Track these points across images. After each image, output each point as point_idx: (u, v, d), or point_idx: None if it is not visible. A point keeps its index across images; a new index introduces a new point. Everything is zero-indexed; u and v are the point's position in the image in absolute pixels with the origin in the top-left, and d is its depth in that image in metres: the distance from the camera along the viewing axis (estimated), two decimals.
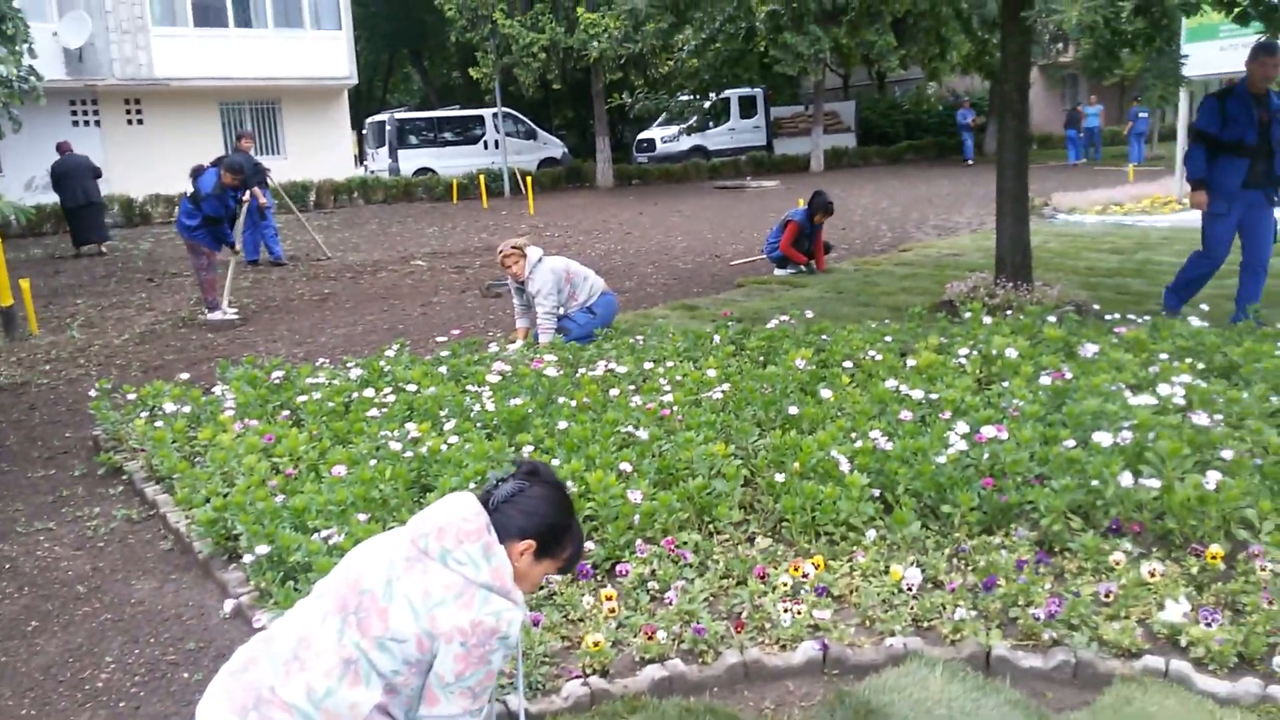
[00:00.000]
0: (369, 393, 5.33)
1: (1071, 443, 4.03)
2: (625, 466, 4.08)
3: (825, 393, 4.90)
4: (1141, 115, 24.88)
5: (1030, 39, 7.51)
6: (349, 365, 6.11)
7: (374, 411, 5.04)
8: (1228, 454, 3.88)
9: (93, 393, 6.10)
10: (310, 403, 5.19)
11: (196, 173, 9.51)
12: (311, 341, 8.27)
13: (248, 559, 3.57)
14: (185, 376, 6.30)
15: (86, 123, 21.49)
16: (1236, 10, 6.72)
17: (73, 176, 14.26)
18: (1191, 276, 6.94)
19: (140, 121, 22.18)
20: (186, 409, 5.46)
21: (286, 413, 5.26)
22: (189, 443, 5.09)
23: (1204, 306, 6.37)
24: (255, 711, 2.00)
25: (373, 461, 4.22)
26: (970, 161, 26.45)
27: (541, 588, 3.42)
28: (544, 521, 2.23)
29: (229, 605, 3.56)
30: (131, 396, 5.90)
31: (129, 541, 4.33)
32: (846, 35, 10.05)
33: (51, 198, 15.83)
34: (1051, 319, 6.26)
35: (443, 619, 2.01)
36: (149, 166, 20.95)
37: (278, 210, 14.39)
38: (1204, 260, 6.85)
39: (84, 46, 20.14)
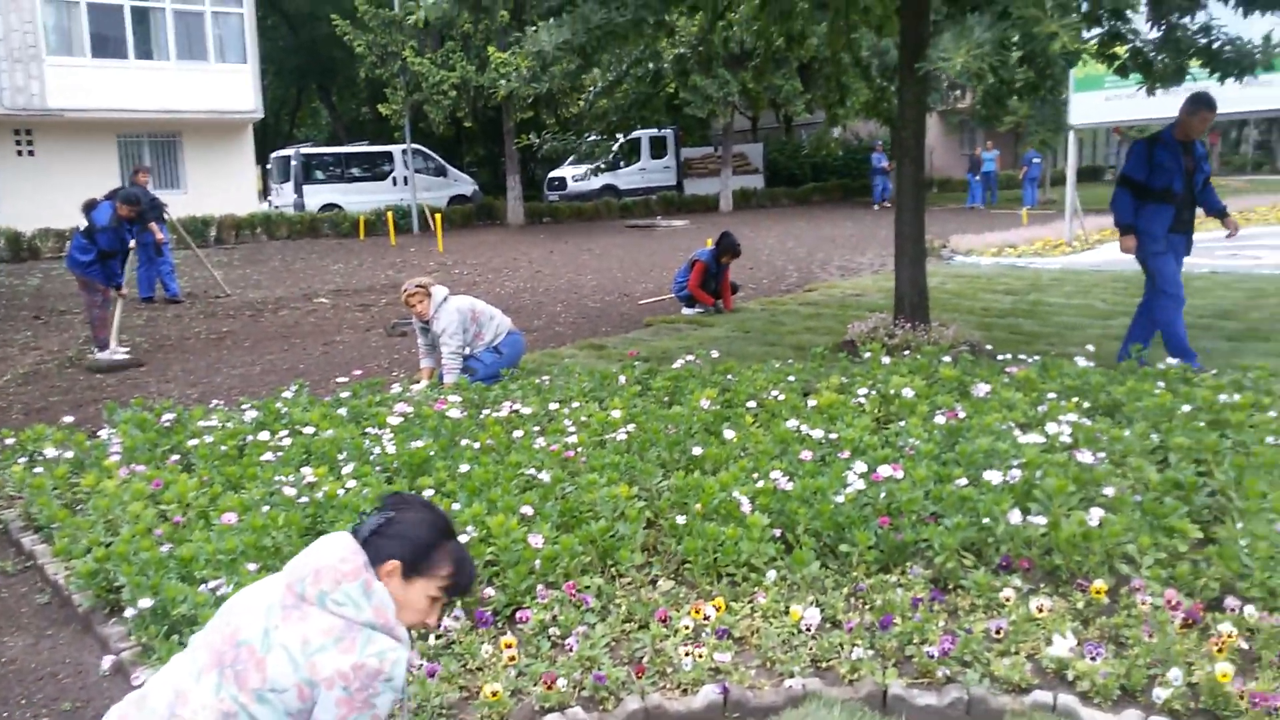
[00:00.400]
0: (264, 436, 5.19)
1: (964, 481, 4.14)
2: (527, 510, 4.04)
3: (729, 433, 4.95)
4: (1034, 161, 25.93)
5: (926, 87, 7.78)
6: (244, 407, 5.94)
7: (269, 455, 4.90)
8: (1110, 491, 4.03)
9: None
10: (202, 446, 5.03)
11: (90, 206, 9.19)
12: (207, 382, 8.03)
13: (130, 613, 3.41)
14: (70, 419, 6.04)
15: None
16: (1117, 63, 7.09)
17: None
18: (1172, 321, 6.62)
19: (31, 153, 21.40)
20: (69, 454, 5.23)
21: (176, 457, 5.09)
22: (71, 490, 4.88)
23: (1090, 347, 6.63)
24: None
25: (265, 508, 4.10)
26: (877, 206, 27.13)
27: (439, 636, 3.35)
28: (407, 541, 2.17)
29: (108, 662, 3.39)
30: (10, 441, 5.63)
31: (2, 595, 4.10)
32: (753, 80, 10.31)
33: None
34: (947, 359, 6.43)
35: (323, 665, 1.96)
36: (39, 199, 20.17)
37: (175, 246, 13.98)
38: (1167, 300, 6.63)
39: None
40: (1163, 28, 6.56)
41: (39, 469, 5.07)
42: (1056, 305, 9.91)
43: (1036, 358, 6.57)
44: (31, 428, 5.68)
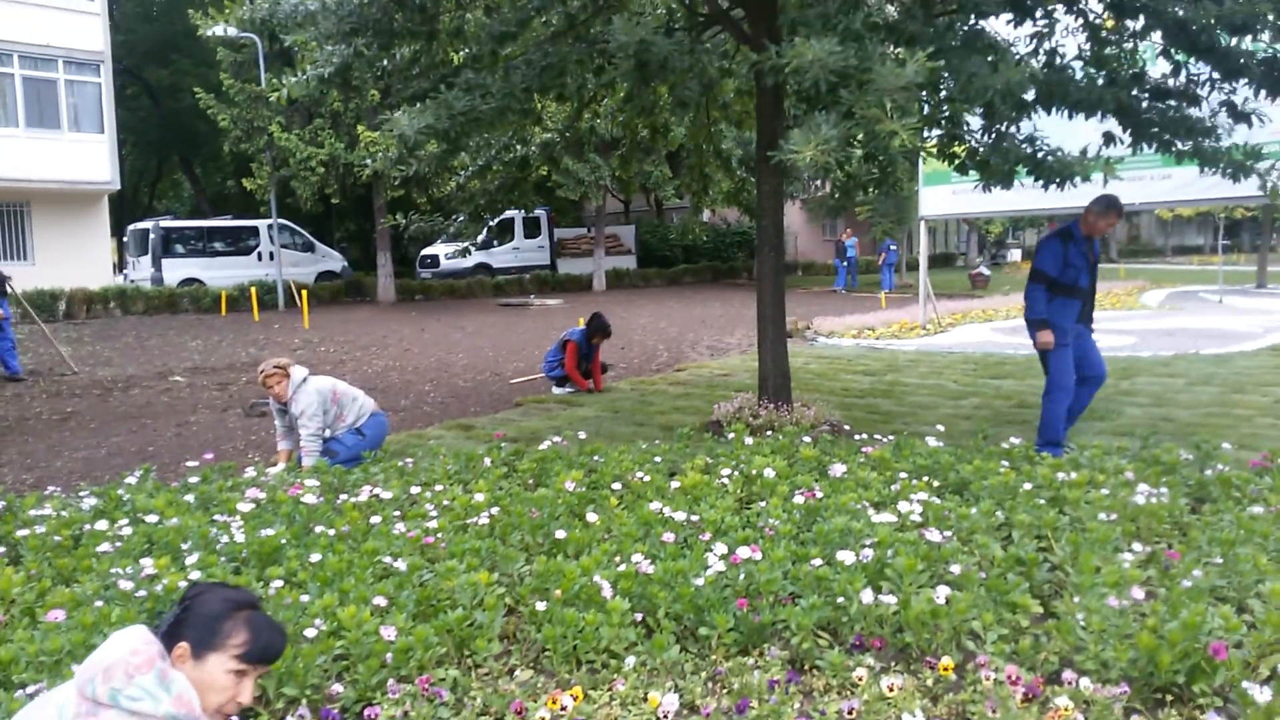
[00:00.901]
0: (103, 525, 4.90)
1: (819, 561, 4.22)
2: (380, 600, 3.92)
3: (592, 516, 4.94)
4: (892, 248, 27.21)
5: (782, 178, 8.12)
6: (83, 494, 5.62)
7: (106, 546, 4.63)
8: (956, 569, 4.18)
9: None
10: (33, 537, 4.72)
11: None
12: (45, 466, 7.57)
13: None
14: None
15: None
16: (956, 162, 7.57)
17: None
18: (1057, 413, 6.87)
19: None
20: None
21: (2, 549, 4.75)
22: None
23: (940, 427, 6.92)
24: None
25: (99, 603, 3.86)
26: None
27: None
28: (195, 619, 2.09)
29: None
30: None
31: None
32: (621, 167, 10.59)
33: None
34: (808, 439, 6.61)
35: None
36: None
37: (18, 321, 13.25)
38: (1060, 392, 6.85)
39: None
40: (993, 135, 7.04)
41: None
42: (911, 385, 10.32)
43: (891, 437, 6.82)
44: None
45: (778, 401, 7.96)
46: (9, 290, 12.61)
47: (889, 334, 15.54)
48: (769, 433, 7.20)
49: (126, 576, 4.16)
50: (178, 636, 2.06)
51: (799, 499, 5.10)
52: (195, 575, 4.14)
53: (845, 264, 28.33)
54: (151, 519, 4.96)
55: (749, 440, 6.58)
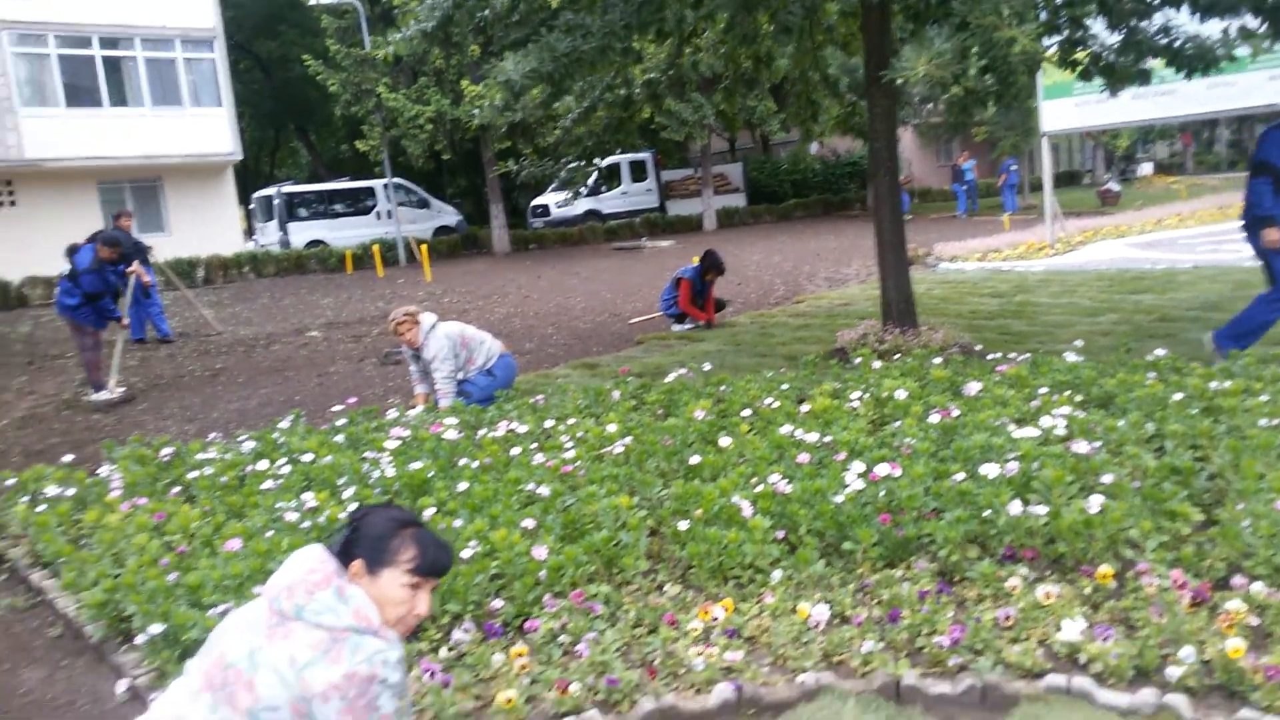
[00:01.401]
0: (263, 465, 5.20)
1: (962, 476, 4.17)
2: (529, 523, 4.06)
3: (725, 441, 4.98)
4: (1013, 168, 26.18)
5: (894, 99, 7.89)
6: (242, 439, 5.94)
7: (269, 484, 4.91)
8: (1108, 479, 4.07)
9: None
10: (202, 478, 5.04)
11: (72, 250, 9.22)
12: (203, 418, 8.03)
13: (141, 639, 3.42)
14: (70, 459, 6.04)
15: None
16: (1079, 69, 7.20)
17: None
18: (1263, 320, 6.26)
19: (13, 203, 21.41)
20: (71, 492, 5.23)
21: (177, 490, 5.09)
22: (74, 526, 4.87)
23: (1079, 343, 6.70)
24: None
25: (269, 534, 4.11)
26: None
27: (451, 648, 3.36)
28: (365, 538, 2.18)
29: (124, 687, 3.40)
30: (11, 482, 5.62)
31: (14, 630, 4.11)
32: (725, 101, 10.44)
33: None
34: (937, 361, 6.49)
35: (314, 680, 1.96)
36: (25, 249, 20.14)
37: (163, 288, 13.98)
38: (1276, 304, 6.21)
39: None
40: (1123, 32, 6.67)
41: (42, 507, 5.07)
42: (1043, 305, 10.00)
43: (1027, 356, 6.64)
44: (32, 468, 5.68)
45: (903, 326, 7.83)
46: (151, 259, 13.29)
47: (1015, 255, 15.03)
48: (896, 357, 7.10)
49: (290, 510, 4.41)
50: (351, 556, 2.17)
51: (934, 418, 5.03)
52: (352, 507, 4.35)
53: (964, 188, 27.41)
54: (306, 458, 5.23)
55: (877, 364, 6.50)
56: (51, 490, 5.27)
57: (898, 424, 5.13)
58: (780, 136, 31.43)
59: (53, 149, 21.00)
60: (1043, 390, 5.51)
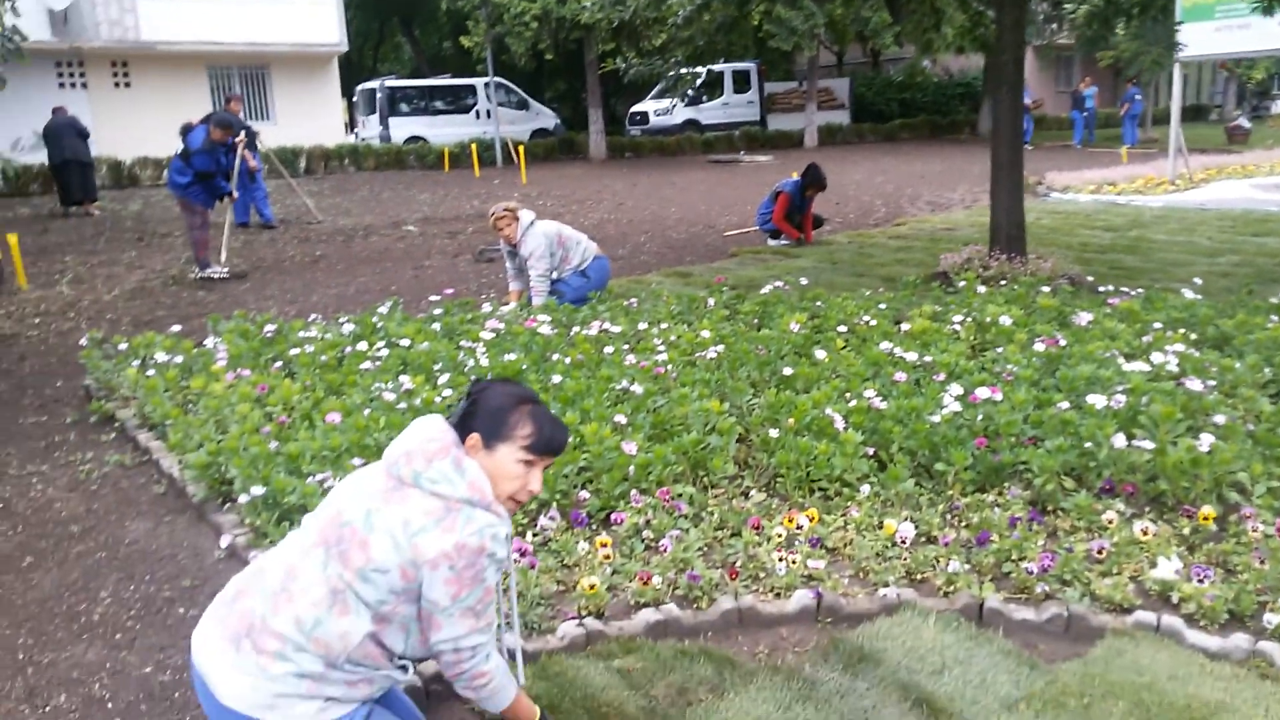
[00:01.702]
0: (362, 347, 5.31)
1: (1065, 405, 4.05)
2: (620, 419, 4.08)
3: (820, 354, 4.91)
4: (1136, 97, 24.85)
5: (1024, 10, 7.48)
6: (342, 321, 6.07)
7: (367, 365, 5.02)
8: (1220, 419, 3.91)
9: (84, 343, 6.07)
10: (303, 355, 5.17)
11: (186, 130, 9.42)
12: (303, 300, 8.23)
13: (243, 499, 3.56)
14: (177, 329, 6.26)
15: (73, 85, 21.19)
16: None
17: (58, 135, 14.10)
18: None
19: (128, 85, 21.91)
20: (178, 359, 5.42)
21: (279, 365, 5.24)
22: (181, 392, 5.06)
23: (1197, 280, 6.39)
24: (248, 639, 2.00)
25: (366, 411, 4.21)
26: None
27: (536, 534, 3.42)
28: (483, 411, 2.17)
29: (226, 541, 3.55)
30: (123, 347, 5.86)
31: (122, 485, 4.31)
32: (842, 6, 10.01)
33: (38, 159, 15.68)
34: (1045, 290, 6.28)
35: (425, 546, 1.99)
36: (136, 129, 20.67)
37: (267, 174, 14.25)
38: None
39: (69, 8, 19.85)
40: None
41: (151, 372, 5.28)
42: (1160, 242, 9.56)
43: (1139, 291, 6.38)
44: (142, 334, 5.89)
45: (1011, 253, 7.56)
46: (258, 145, 13.52)
47: (1132, 190, 14.35)
48: (1002, 283, 6.88)
49: (388, 390, 4.50)
50: (468, 428, 2.17)
51: (1039, 346, 4.88)
52: (447, 393, 4.43)
53: (1084, 115, 26.13)
54: (404, 344, 5.32)
55: (981, 290, 6.31)
56: (160, 357, 5.47)
57: (1000, 350, 5.00)
58: (892, 51, 30.22)
59: (166, 32, 21.35)
60: (1156, 326, 5.29)
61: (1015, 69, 7.43)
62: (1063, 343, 4.96)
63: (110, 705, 2.71)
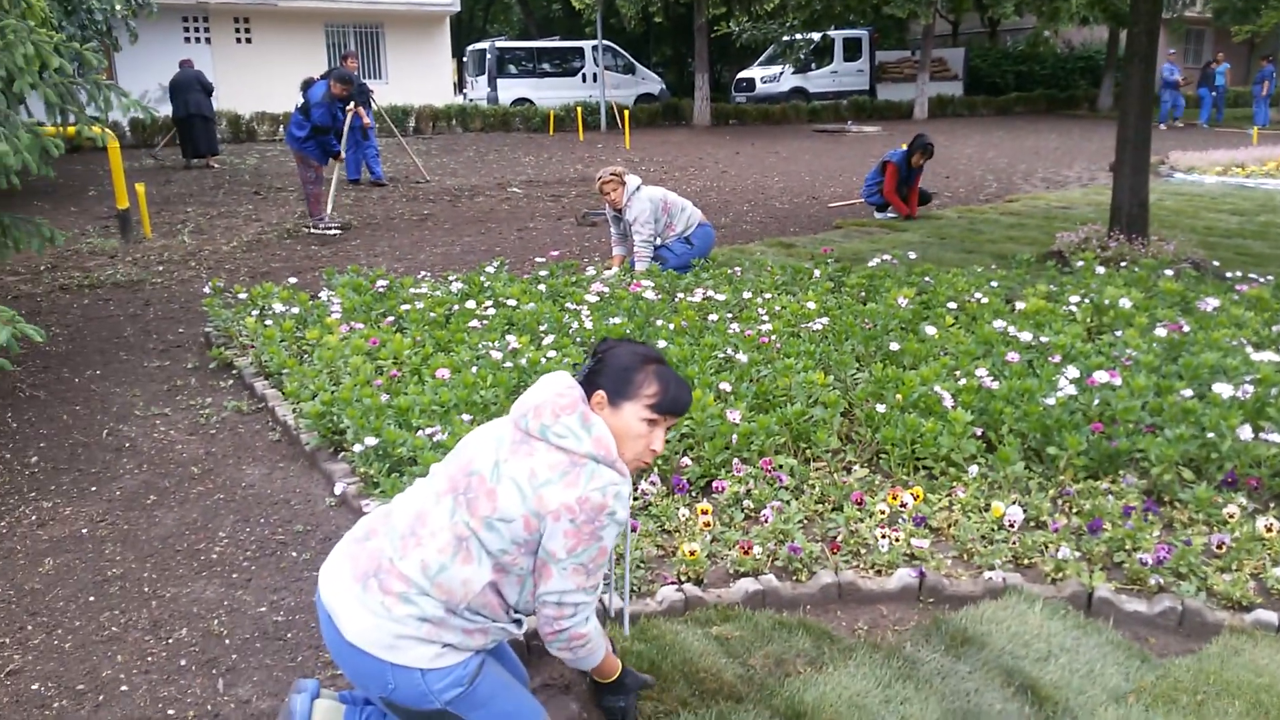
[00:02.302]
0: (470, 305, 5.40)
1: (1188, 393, 3.89)
2: (724, 387, 4.07)
3: (929, 330, 4.80)
4: (1274, 76, 23.52)
5: None
6: (450, 279, 6.18)
7: (474, 323, 5.11)
8: None
9: (206, 291, 6.31)
10: (413, 311, 5.28)
11: (307, 84, 9.66)
12: (411, 258, 8.40)
13: (356, 449, 3.67)
14: (293, 281, 6.46)
15: (198, 40, 21.92)
16: None
17: (183, 89, 14.58)
18: None
19: (249, 40, 22.55)
20: (294, 310, 5.60)
21: (390, 319, 5.36)
22: (296, 342, 5.23)
23: None
24: (375, 579, 2.06)
25: (474, 368, 4.28)
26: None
27: (637, 498, 3.45)
28: (609, 370, 2.19)
29: (338, 489, 3.67)
30: (242, 296, 6.07)
31: (239, 431, 4.48)
32: None
33: (164, 110, 16.26)
34: (1168, 273, 6.03)
35: (550, 497, 2.03)
36: (256, 85, 21.32)
37: (379, 132, 14.53)
38: None
39: None
40: None
41: (269, 322, 5.46)
42: None
43: (1269, 278, 6.07)
44: (260, 285, 6.10)
45: (1132, 234, 7.27)
46: (372, 104, 13.79)
47: (1261, 173, 13.63)
48: (1121, 265, 6.63)
49: (494, 349, 4.57)
50: (594, 386, 2.20)
51: (1160, 331, 4.69)
52: (552, 354, 4.48)
53: (1213, 94, 24.89)
54: (510, 303, 5.39)
55: (1099, 270, 6.09)
56: (277, 308, 5.66)
57: (1119, 334, 4.82)
58: (1012, 20, 29.18)
59: None
60: None
61: (1149, 41, 7.10)
62: (1186, 329, 4.76)
63: (227, 641, 2.84)
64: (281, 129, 19.90)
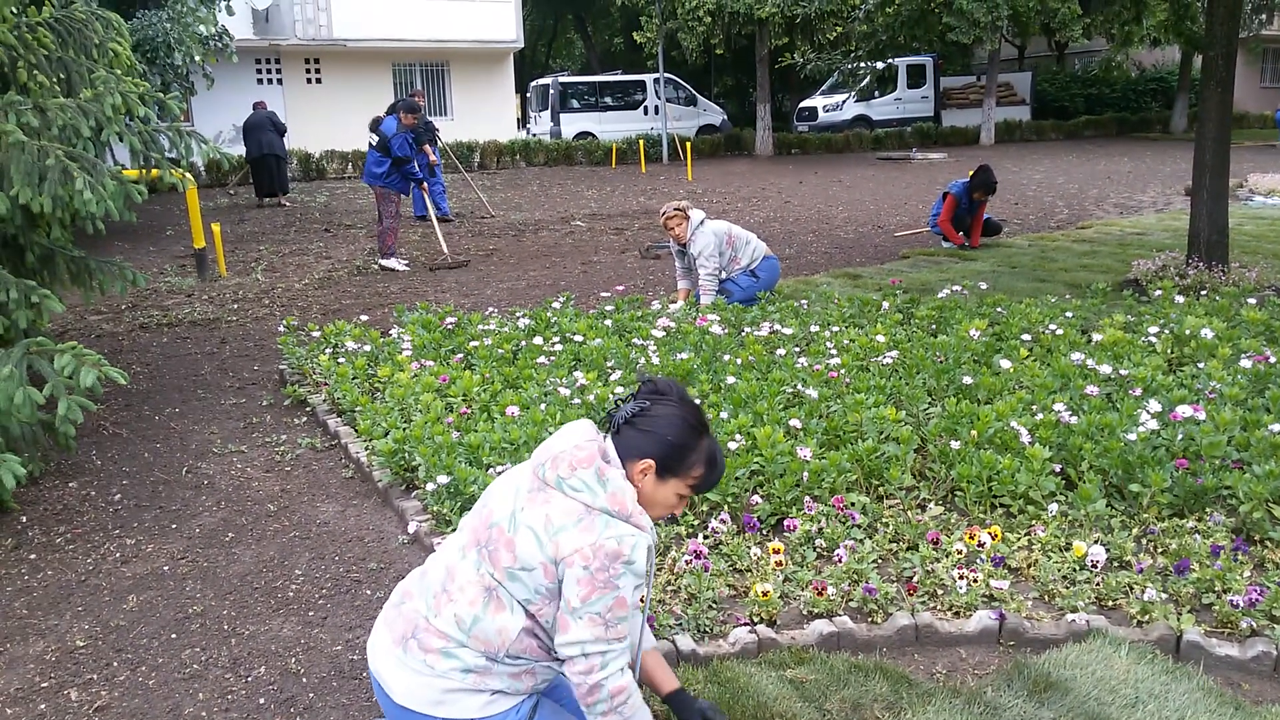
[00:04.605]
0: (537, 341, 5.44)
1: (1277, 428, 3.76)
2: (794, 423, 4.03)
3: (1004, 363, 4.72)
4: None
5: (1240, 2, 6.98)
6: (517, 315, 6.24)
7: (542, 359, 5.14)
8: None
9: (280, 329, 6.45)
10: (482, 348, 5.34)
11: (375, 123, 9.88)
12: (478, 294, 8.51)
13: (430, 487, 3.70)
14: (364, 319, 6.58)
15: (270, 81, 22.62)
16: None
17: (256, 130, 15.01)
18: None
19: (319, 80, 23.19)
20: (366, 348, 5.69)
21: (459, 356, 5.42)
22: (368, 380, 5.32)
23: None
24: (414, 639, 2.09)
25: (543, 405, 4.31)
26: None
27: (707, 536, 3.43)
28: (663, 440, 2.13)
29: (412, 527, 3.71)
30: (315, 334, 6.20)
31: (313, 468, 4.56)
32: None
33: (237, 150, 16.78)
34: (1251, 301, 5.85)
35: (565, 543, 2.01)
36: (326, 124, 21.90)
37: (444, 168, 14.79)
38: None
39: (269, 8, 21.17)
40: None
41: (341, 360, 5.56)
42: None
43: None
44: (333, 323, 6.22)
45: (1211, 261, 7.08)
46: (438, 140, 14.06)
47: None
48: (1201, 293, 6.45)
49: (562, 385, 4.60)
50: (633, 442, 2.14)
51: (1245, 363, 4.55)
52: (619, 390, 4.48)
53: None
54: (577, 339, 5.42)
55: (1178, 299, 5.94)
56: (349, 345, 5.76)
57: (1201, 365, 4.69)
58: (1080, 44, 28.75)
59: (355, 29, 22.51)
60: None
61: (1226, 64, 6.94)
62: (1272, 359, 4.61)
63: (304, 680, 2.87)
64: (351, 166, 20.39)
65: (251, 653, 3.02)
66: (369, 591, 3.36)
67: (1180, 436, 3.81)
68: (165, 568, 3.61)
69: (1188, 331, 5.13)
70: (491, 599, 2.06)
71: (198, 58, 13.23)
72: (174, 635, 3.14)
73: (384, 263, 9.89)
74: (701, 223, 6.97)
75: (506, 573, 2.05)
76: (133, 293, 8.79)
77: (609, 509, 2.05)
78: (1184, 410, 3.86)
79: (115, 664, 2.99)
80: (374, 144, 9.75)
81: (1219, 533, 3.36)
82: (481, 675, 2.06)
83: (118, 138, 5.03)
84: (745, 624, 2.95)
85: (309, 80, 23.12)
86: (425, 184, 10.51)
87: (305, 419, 5.28)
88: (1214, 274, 6.87)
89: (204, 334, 7.39)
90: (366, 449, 4.49)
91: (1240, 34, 22.97)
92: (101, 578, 3.55)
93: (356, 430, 4.71)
